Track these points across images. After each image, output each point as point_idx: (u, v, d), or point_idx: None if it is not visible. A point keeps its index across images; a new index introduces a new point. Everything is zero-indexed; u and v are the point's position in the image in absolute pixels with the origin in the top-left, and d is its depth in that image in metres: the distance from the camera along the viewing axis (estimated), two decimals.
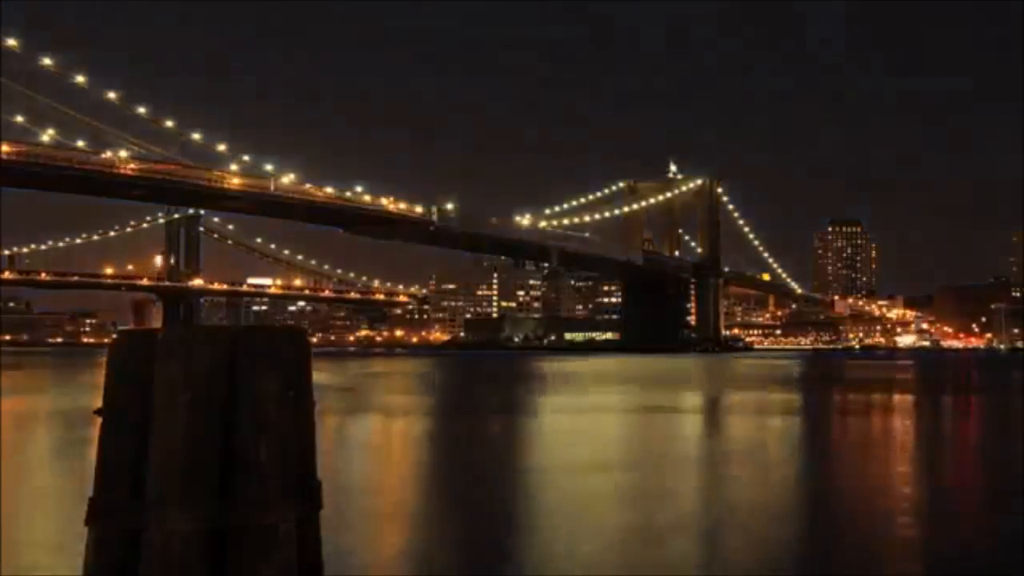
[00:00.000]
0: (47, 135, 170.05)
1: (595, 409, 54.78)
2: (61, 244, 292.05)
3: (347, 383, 78.65)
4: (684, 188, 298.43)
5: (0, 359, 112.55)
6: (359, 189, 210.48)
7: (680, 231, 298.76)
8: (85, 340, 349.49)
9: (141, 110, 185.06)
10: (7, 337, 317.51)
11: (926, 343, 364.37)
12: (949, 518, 21.27)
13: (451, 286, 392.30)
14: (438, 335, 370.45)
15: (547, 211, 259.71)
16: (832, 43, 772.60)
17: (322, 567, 7.12)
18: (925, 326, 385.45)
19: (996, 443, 39.09)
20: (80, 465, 24.32)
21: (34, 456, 31.59)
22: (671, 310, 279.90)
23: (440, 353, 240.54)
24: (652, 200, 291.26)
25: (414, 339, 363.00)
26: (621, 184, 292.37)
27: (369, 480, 26.80)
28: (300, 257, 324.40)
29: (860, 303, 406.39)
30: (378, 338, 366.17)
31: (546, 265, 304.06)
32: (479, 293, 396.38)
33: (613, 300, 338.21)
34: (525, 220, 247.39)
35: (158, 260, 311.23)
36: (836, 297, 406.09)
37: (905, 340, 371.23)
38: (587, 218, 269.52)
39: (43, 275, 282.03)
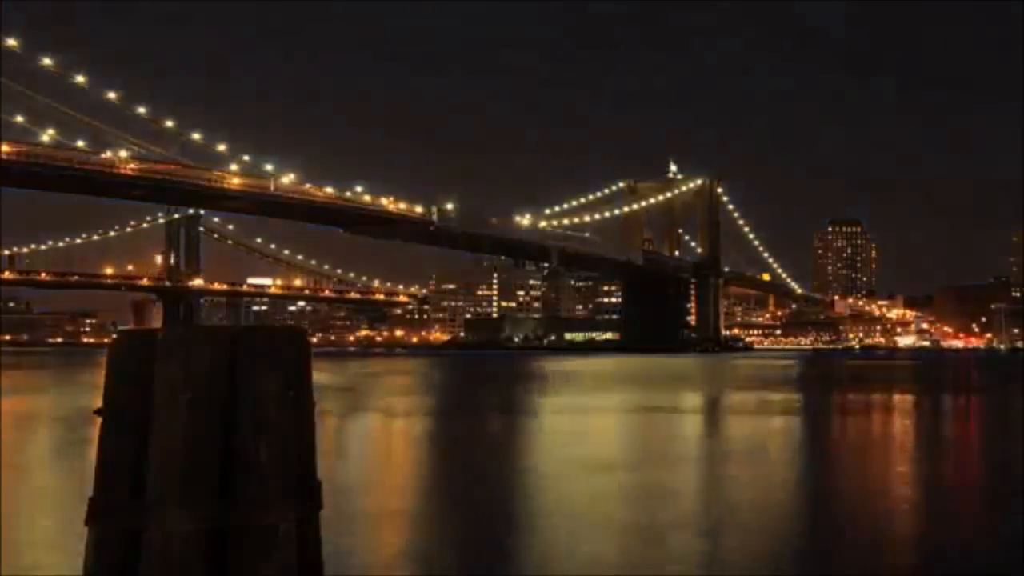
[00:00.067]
0: (47, 135, 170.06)
1: (595, 409, 54.77)
2: (61, 244, 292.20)
3: (347, 383, 78.64)
4: (684, 188, 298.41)
5: (0, 359, 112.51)
6: (359, 189, 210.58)
7: (680, 231, 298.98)
8: (85, 340, 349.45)
9: (141, 110, 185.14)
10: (7, 337, 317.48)
11: (926, 343, 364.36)
12: (949, 518, 21.28)
13: (451, 286, 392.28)
14: (438, 335, 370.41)
15: (547, 211, 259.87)
16: (832, 43, 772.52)
17: (322, 567, 7.12)
18: (925, 326, 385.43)
19: (996, 443, 39.09)
20: (80, 465, 24.33)
21: (34, 456, 31.59)
22: (671, 310, 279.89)
23: (440, 353, 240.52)
24: (652, 200, 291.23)
25: (414, 339, 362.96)
26: (621, 184, 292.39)
27: (369, 480, 26.80)
28: (300, 257, 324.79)
29: (860, 303, 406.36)
30: (378, 338, 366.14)
31: (546, 265, 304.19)
32: (479, 293, 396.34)
33: (613, 300, 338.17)
34: (525, 220, 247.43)
35: (158, 260, 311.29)
36: (836, 297, 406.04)
37: (905, 340, 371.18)
38: (587, 218, 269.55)
39: (43, 275, 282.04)
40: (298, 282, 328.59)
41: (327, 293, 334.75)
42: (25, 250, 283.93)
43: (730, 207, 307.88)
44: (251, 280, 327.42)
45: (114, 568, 6.77)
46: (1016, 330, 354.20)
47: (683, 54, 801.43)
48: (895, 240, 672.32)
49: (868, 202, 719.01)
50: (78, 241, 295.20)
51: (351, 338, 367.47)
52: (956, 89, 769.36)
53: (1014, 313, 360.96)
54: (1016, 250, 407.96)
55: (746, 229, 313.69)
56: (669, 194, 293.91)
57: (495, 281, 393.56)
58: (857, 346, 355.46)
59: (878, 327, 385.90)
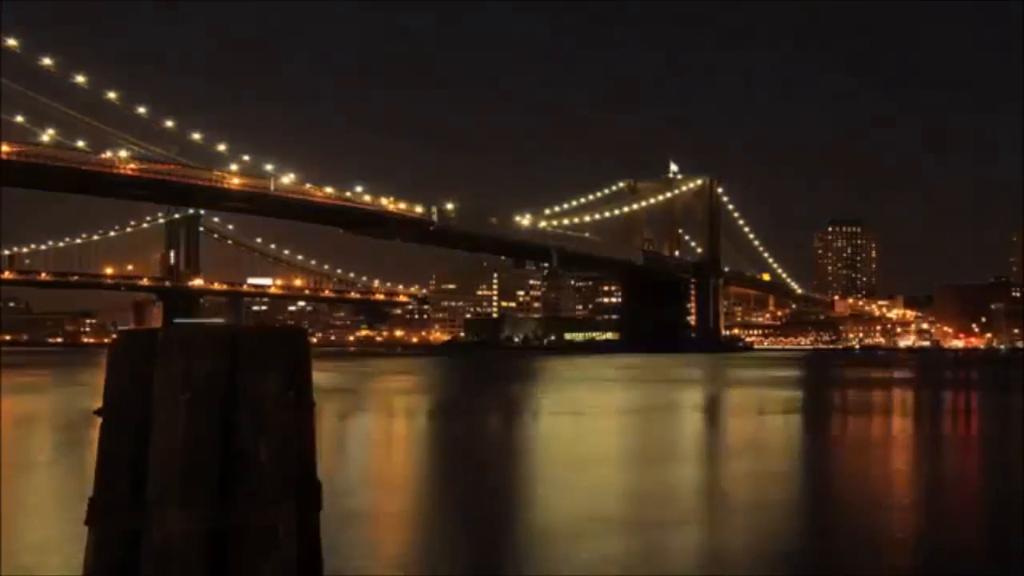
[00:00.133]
0: (47, 135, 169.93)
1: (594, 408, 54.77)
2: (61, 244, 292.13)
3: (347, 383, 78.65)
4: (684, 188, 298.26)
5: (0, 359, 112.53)
6: (359, 189, 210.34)
7: (680, 231, 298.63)
8: (85, 340, 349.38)
9: (141, 110, 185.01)
10: (7, 337, 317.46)
11: (926, 343, 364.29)
12: (949, 518, 21.28)
13: (451, 286, 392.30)
14: (438, 335, 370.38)
15: (547, 211, 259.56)
16: (832, 43, 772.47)
17: (322, 567, 7.12)
18: (925, 326, 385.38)
19: (996, 443, 39.09)
20: (80, 465, 24.34)
21: (34, 456, 31.59)
22: (671, 310, 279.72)
23: (440, 353, 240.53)
24: (652, 200, 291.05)
25: (414, 339, 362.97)
26: (621, 184, 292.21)
27: (369, 480, 26.81)
28: (300, 257, 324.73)
29: (860, 303, 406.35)
30: (378, 338, 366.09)
31: (546, 265, 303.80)
32: (479, 293, 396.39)
33: (613, 300, 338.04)
34: (525, 220, 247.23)
35: (158, 260, 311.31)
36: (836, 297, 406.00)
37: (905, 340, 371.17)
38: (587, 218, 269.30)
39: (43, 275, 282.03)
40: (298, 282, 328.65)
41: (327, 293, 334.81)
42: (25, 250, 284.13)
43: (730, 207, 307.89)
44: (251, 280, 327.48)
45: (114, 568, 6.77)
46: (1016, 330, 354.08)
47: (683, 54, 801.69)
48: (895, 240, 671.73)
49: (868, 202, 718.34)
50: (78, 241, 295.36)
51: (351, 338, 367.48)
52: (956, 89, 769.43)
53: (1014, 313, 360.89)
54: (1016, 250, 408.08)
55: (746, 229, 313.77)
56: (669, 194, 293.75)
57: (495, 281, 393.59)
58: (857, 346, 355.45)
59: (878, 327, 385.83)
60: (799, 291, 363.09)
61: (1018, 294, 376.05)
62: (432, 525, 20.24)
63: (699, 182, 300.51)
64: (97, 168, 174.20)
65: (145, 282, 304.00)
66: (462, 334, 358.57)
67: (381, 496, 23.83)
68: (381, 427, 44.05)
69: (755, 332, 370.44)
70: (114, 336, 7.24)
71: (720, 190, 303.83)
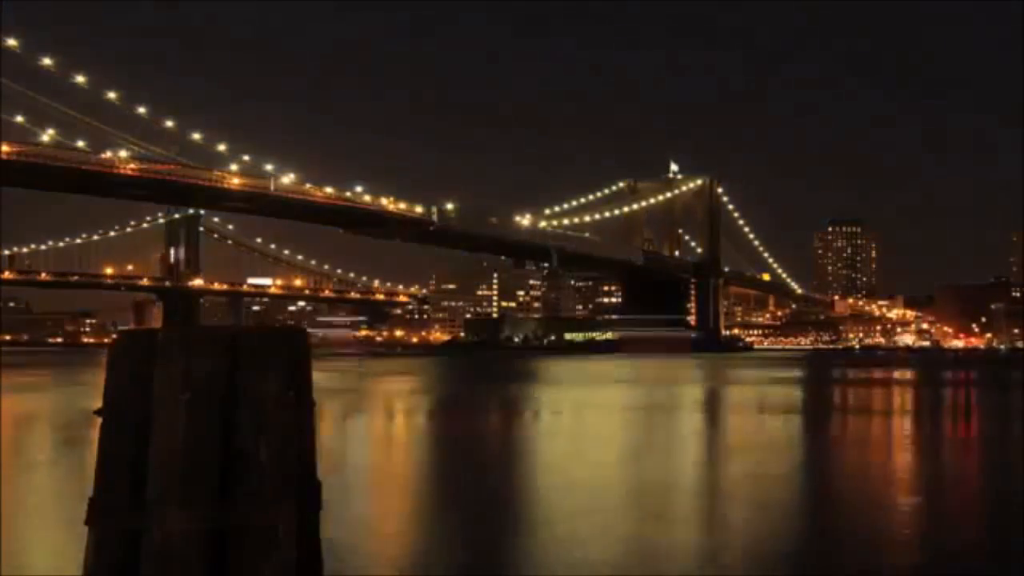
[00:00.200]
0: (47, 135, 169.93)
1: (595, 408, 54.78)
2: (61, 244, 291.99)
3: (347, 383, 78.65)
4: (684, 188, 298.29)
5: (0, 359, 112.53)
6: (359, 189, 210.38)
7: (680, 231, 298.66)
8: (85, 340, 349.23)
9: (141, 110, 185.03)
10: (7, 337, 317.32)
11: (926, 343, 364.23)
12: (949, 518, 21.28)
13: (451, 286, 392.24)
14: (438, 335, 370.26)
15: (547, 211, 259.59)
16: (832, 43, 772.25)
17: (322, 567, 7.12)
18: (925, 326, 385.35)
19: (996, 443, 39.08)
20: (80, 465, 24.34)
21: (34, 456, 31.59)
22: (671, 310, 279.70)
23: (440, 353, 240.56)
24: (652, 200, 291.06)
25: (414, 339, 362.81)
26: (621, 184, 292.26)
27: (369, 480, 26.81)
28: (300, 257, 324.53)
29: (860, 303, 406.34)
30: (378, 338, 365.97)
31: (546, 265, 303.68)
32: (479, 293, 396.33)
33: (613, 300, 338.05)
34: (525, 220, 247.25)
35: (158, 260, 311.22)
36: (836, 297, 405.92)
37: (905, 340, 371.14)
38: (587, 218, 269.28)
39: (43, 275, 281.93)
40: (298, 282, 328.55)
41: (327, 293, 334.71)
42: (25, 250, 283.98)
43: (730, 207, 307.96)
44: (251, 280, 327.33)
45: (114, 568, 6.77)
46: (1016, 330, 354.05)
47: (684, 54, 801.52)
48: (895, 240, 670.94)
49: (868, 202, 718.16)
50: (78, 241, 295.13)
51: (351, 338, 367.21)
52: (956, 89, 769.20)
53: (1014, 313, 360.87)
54: (1016, 250, 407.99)
55: (746, 229, 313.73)
56: (669, 194, 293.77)
57: (495, 281, 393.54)
58: (857, 346, 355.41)
59: (878, 327, 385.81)
60: (799, 291, 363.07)
61: (1018, 294, 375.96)
62: (432, 525, 20.24)
63: (699, 182, 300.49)
64: (97, 168, 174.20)
65: (145, 282, 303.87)
66: (462, 334, 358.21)
67: (381, 496, 23.83)
68: (381, 427, 44.06)
69: (755, 332, 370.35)
70: (114, 336, 7.24)
71: (720, 190, 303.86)
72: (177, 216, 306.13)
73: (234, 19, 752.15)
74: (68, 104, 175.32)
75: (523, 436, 40.81)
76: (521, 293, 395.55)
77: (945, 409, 59.29)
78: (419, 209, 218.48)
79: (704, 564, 16.79)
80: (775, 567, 16.33)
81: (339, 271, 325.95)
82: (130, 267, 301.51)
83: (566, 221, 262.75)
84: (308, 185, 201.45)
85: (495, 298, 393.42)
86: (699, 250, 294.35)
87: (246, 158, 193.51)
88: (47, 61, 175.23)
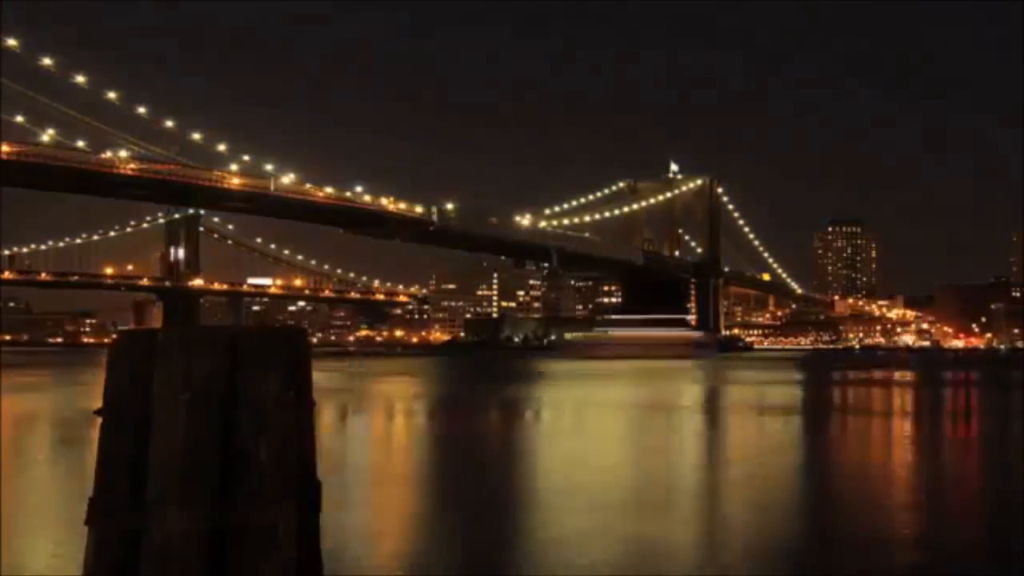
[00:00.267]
0: (47, 135, 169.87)
1: (595, 408, 54.78)
2: (61, 244, 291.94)
3: (347, 383, 78.64)
4: (684, 188, 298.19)
5: (0, 359, 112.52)
6: (359, 189, 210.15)
7: (680, 231, 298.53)
8: (85, 340, 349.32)
9: (141, 110, 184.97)
10: (7, 337, 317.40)
11: (926, 343, 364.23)
12: (949, 518, 21.27)
13: (451, 286, 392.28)
14: (438, 335, 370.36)
15: (547, 211, 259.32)
16: (832, 43, 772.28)
17: (321, 567, 7.12)
18: (925, 326, 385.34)
19: (996, 443, 39.08)
20: (80, 465, 24.33)
21: (34, 456, 31.59)
22: (671, 310, 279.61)
23: (440, 353, 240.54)
24: (652, 200, 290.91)
25: (414, 339, 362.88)
26: (621, 184, 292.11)
27: (369, 480, 26.80)
28: (300, 257, 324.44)
29: (860, 303, 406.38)
30: (378, 338, 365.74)
31: (546, 265, 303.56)
32: (479, 293, 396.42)
33: (613, 300, 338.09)
34: (525, 220, 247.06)
35: (158, 260, 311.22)
36: (836, 297, 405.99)
37: (905, 340, 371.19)
38: (587, 218, 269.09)
39: (43, 275, 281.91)
40: (298, 282, 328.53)
41: (327, 293, 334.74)
42: (25, 250, 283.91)
43: (730, 207, 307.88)
44: (251, 280, 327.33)
45: (114, 568, 6.77)
46: (1016, 330, 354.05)
47: (683, 54, 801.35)
48: (895, 240, 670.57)
49: (868, 202, 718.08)
50: (78, 241, 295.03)
51: (351, 338, 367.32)
52: (956, 89, 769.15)
53: (1014, 313, 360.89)
54: (1016, 250, 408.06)
55: (746, 229, 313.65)
56: (669, 194, 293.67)
57: (495, 281, 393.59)
58: (857, 346, 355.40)
59: (878, 327, 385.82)
60: (799, 291, 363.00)
61: (1018, 294, 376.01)
62: (432, 525, 20.24)
63: (699, 182, 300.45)
64: (97, 168, 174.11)
65: (145, 282, 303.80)
66: (462, 334, 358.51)
67: (381, 496, 23.83)
68: (381, 427, 44.06)
69: (755, 332, 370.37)
70: (114, 336, 7.24)
71: (720, 190, 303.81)
72: (177, 216, 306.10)
73: (234, 19, 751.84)
74: (68, 104, 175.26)
75: (523, 436, 40.81)
76: (521, 293, 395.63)
77: (945, 409, 59.27)
78: (419, 209, 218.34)
79: (704, 564, 16.78)
80: (775, 567, 16.33)
81: (339, 271, 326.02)
82: (130, 267, 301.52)
83: (566, 221, 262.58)
84: (308, 185, 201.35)
85: (495, 298, 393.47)
86: (699, 250, 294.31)
87: (246, 158, 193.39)
88: (47, 61, 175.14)
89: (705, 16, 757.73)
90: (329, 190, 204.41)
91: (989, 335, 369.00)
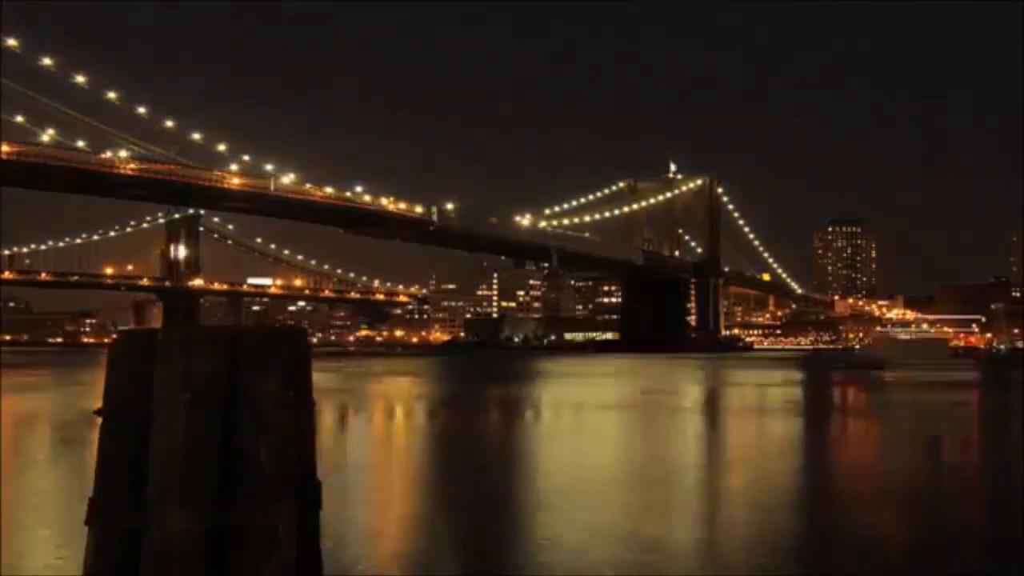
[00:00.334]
0: (47, 135, 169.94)
1: (595, 409, 54.79)
2: (61, 244, 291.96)
3: (347, 383, 78.64)
4: (684, 188, 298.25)
5: (0, 359, 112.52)
6: (359, 189, 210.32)
7: (680, 231, 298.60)
8: (85, 340, 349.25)
9: (141, 110, 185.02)
10: (7, 337, 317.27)
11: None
12: (949, 518, 21.28)
13: (451, 286, 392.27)
14: (438, 335, 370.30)
15: (547, 211, 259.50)
16: (832, 43, 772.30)
17: (322, 567, 7.12)
18: (925, 326, 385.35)
19: (996, 443, 39.09)
20: (80, 465, 24.34)
21: (34, 456, 31.59)
22: (671, 310, 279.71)
23: (440, 353, 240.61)
24: (652, 200, 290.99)
25: (414, 339, 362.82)
26: (621, 184, 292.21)
27: (369, 480, 26.80)
28: (300, 257, 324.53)
29: (860, 303, 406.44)
30: (378, 338, 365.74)
31: (546, 265, 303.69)
32: (479, 293, 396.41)
33: (613, 300, 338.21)
34: (525, 220, 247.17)
35: (158, 260, 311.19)
36: (836, 297, 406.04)
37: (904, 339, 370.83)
38: (587, 218, 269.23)
39: (43, 275, 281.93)
40: (298, 282, 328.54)
41: (327, 293, 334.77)
42: (25, 250, 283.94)
43: (730, 207, 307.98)
44: (251, 280, 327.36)
45: (114, 568, 6.78)
46: (1016, 330, 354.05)
47: (683, 54, 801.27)
48: (895, 240, 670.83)
49: (868, 202, 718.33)
50: (78, 241, 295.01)
51: (351, 338, 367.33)
52: (956, 89, 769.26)
53: (1014, 313, 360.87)
54: (1016, 250, 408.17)
55: (746, 229, 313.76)
56: (669, 194, 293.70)
57: (495, 281, 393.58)
58: (857, 346, 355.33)
59: (878, 327, 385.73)
60: (799, 291, 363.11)
61: (1018, 294, 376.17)
62: (432, 525, 20.24)
63: (699, 182, 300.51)
64: (97, 168, 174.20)
65: (145, 282, 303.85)
66: (462, 334, 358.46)
67: (381, 496, 23.83)
68: (381, 427, 44.06)
69: (755, 332, 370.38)
70: (114, 336, 7.24)
71: (720, 190, 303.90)
72: (177, 216, 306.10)
73: (234, 19, 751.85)
74: (68, 104, 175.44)
75: (523, 436, 40.81)
76: (521, 293, 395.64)
77: (945, 409, 59.24)
78: (419, 209, 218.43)
79: (705, 564, 16.79)
80: (775, 567, 16.33)
81: (339, 271, 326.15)
82: (130, 267, 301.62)
83: (566, 221, 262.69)
84: (308, 185, 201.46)
85: (495, 298, 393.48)
86: (699, 250, 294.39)
87: (246, 158, 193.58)
88: (47, 61, 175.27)
89: (705, 16, 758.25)
90: (329, 190, 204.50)
91: (989, 335, 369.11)
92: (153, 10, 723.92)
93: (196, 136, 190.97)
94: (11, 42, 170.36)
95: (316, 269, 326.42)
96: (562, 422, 47.64)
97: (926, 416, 51.92)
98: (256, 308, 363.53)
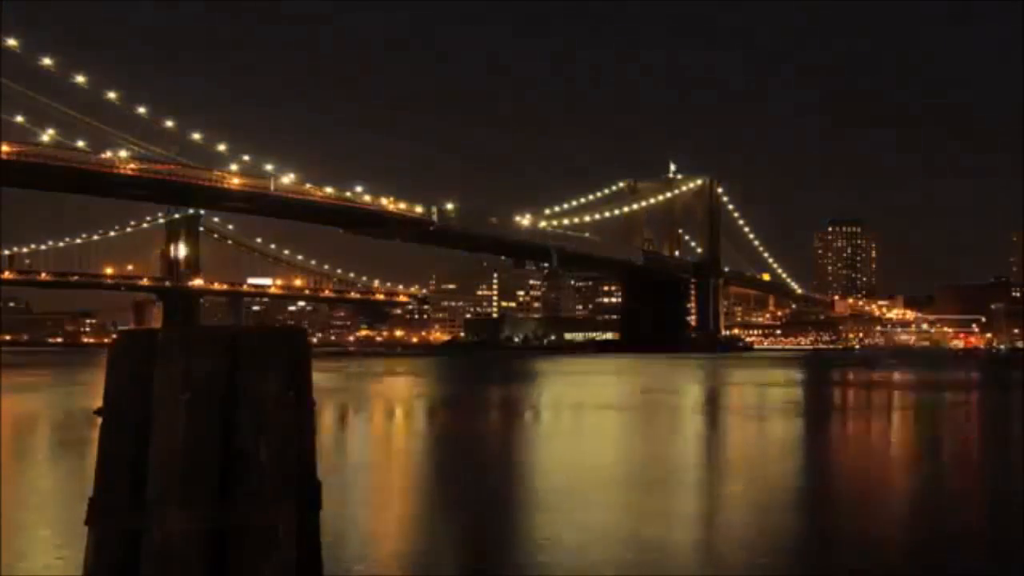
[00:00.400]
0: (47, 135, 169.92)
1: (595, 409, 54.78)
2: (61, 244, 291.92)
3: (347, 383, 78.64)
4: (684, 188, 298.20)
5: (0, 359, 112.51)
6: (359, 189, 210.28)
7: (680, 231, 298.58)
8: (85, 340, 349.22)
9: (141, 110, 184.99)
10: (7, 337, 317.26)
11: (926, 343, 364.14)
12: (949, 518, 21.28)
13: (451, 286, 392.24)
14: (438, 335, 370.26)
15: (547, 211, 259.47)
16: (832, 43, 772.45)
17: (322, 567, 7.12)
18: (925, 326, 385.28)
19: (996, 443, 39.08)
20: (80, 465, 24.34)
21: (34, 456, 31.59)
22: (671, 310, 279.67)
23: (440, 353, 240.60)
24: (652, 200, 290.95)
25: (414, 339, 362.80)
26: (621, 184, 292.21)
27: (369, 480, 26.80)
28: (300, 257, 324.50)
29: (860, 303, 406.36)
30: (378, 338, 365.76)
31: (546, 265, 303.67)
32: (479, 293, 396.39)
33: (613, 300, 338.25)
34: (525, 220, 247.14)
35: (158, 260, 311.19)
36: (836, 297, 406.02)
37: (905, 340, 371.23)
38: (587, 218, 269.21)
39: (43, 275, 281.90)
40: (298, 282, 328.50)
41: (327, 293, 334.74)
42: (25, 250, 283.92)
43: (730, 207, 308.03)
44: (251, 280, 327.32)
45: (114, 568, 6.78)
46: (1016, 330, 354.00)
47: (683, 54, 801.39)
48: (895, 240, 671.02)
49: (868, 202, 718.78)
50: (78, 241, 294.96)
51: (351, 338, 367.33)
52: (956, 89, 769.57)
53: (1014, 313, 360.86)
54: (1016, 250, 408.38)
55: (746, 229, 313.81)
56: (669, 194, 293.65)
57: (495, 281, 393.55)
58: (857, 346, 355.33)
59: (878, 327, 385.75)
60: (799, 291, 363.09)
61: (1018, 294, 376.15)
62: (432, 525, 20.24)
63: (699, 182, 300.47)
64: (97, 168, 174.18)
65: (145, 282, 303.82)
66: (462, 334, 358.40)
67: (381, 496, 23.83)
68: (381, 427, 44.06)
69: (755, 332, 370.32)
70: (114, 336, 7.24)
71: (720, 190, 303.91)
72: (177, 216, 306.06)
73: (234, 19, 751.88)
74: (68, 104, 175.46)
75: (523, 436, 40.81)
76: (521, 293, 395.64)
77: (945, 409, 59.25)
78: (419, 209, 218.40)
79: (704, 564, 16.79)
80: (775, 567, 16.33)
81: (339, 271, 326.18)
82: (130, 267, 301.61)
83: (566, 221, 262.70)
84: (308, 185, 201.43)
85: (495, 298, 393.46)
86: (699, 250, 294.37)
87: (246, 158, 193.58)
88: (47, 61, 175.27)
89: (705, 16, 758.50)
90: (329, 190, 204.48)
91: (989, 335, 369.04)
92: (153, 10, 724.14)
93: (196, 136, 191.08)
94: (11, 42, 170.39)
95: (316, 269, 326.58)
96: (562, 422, 47.64)
97: (926, 416, 51.93)
98: (256, 308, 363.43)
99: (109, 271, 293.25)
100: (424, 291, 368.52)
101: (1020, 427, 46.00)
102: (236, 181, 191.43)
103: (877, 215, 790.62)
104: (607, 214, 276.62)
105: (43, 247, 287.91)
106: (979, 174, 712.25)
